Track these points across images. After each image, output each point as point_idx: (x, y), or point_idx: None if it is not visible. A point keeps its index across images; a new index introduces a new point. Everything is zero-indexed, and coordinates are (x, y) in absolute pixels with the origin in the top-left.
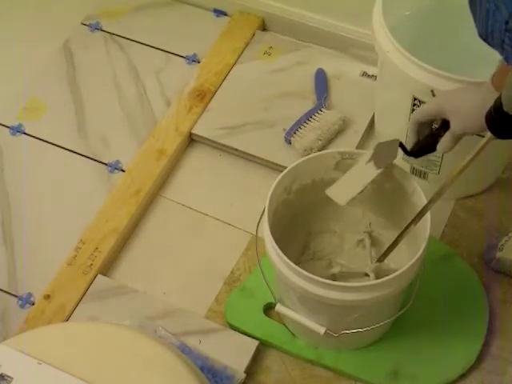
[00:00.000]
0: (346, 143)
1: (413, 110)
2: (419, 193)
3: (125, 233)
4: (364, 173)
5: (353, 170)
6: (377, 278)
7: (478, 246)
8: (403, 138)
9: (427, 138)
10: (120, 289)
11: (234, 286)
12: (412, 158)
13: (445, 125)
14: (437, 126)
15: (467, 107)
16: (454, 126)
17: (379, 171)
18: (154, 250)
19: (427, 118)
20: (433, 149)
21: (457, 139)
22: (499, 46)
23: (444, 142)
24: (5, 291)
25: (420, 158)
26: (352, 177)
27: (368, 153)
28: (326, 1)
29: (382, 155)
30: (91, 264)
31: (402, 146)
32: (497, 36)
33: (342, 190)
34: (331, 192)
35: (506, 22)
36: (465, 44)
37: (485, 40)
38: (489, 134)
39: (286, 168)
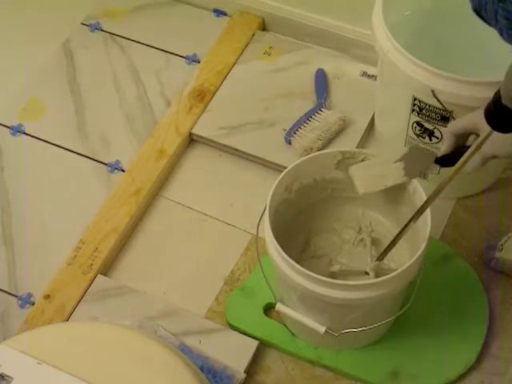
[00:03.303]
0: (346, 143)
1: (413, 109)
2: (420, 192)
3: (125, 233)
4: (391, 172)
5: (382, 160)
6: (377, 276)
7: (477, 245)
8: (403, 137)
9: (456, 151)
10: (120, 289)
11: (234, 286)
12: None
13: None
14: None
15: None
16: (485, 147)
17: (405, 179)
18: (154, 250)
19: (461, 131)
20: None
21: (485, 160)
22: (493, 18)
23: (472, 161)
24: (5, 291)
25: None
26: (378, 168)
27: (401, 152)
28: (326, 1)
29: (414, 162)
30: (91, 264)
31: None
32: (490, 8)
33: (365, 177)
34: (355, 172)
35: None
36: (465, 44)
37: (478, 14)
38: (487, 129)
39: (286, 168)
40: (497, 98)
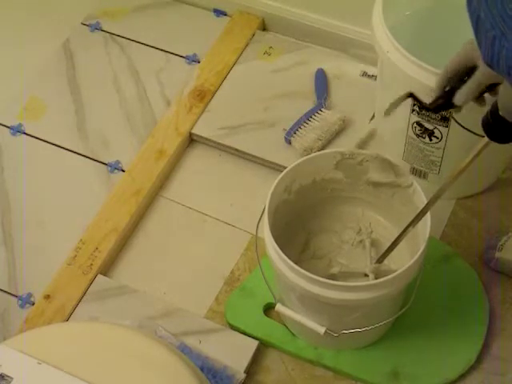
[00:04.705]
0: (346, 143)
1: (413, 109)
2: (419, 193)
3: (125, 233)
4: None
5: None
6: (376, 278)
7: (478, 246)
8: (403, 137)
9: (447, 93)
10: (120, 289)
11: (234, 286)
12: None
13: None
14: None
15: None
16: (482, 68)
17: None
18: (153, 249)
19: (456, 67)
20: (451, 105)
21: (478, 87)
22: (505, 72)
23: (465, 88)
24: (5, 291)
25: (420, 159)
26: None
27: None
28: (326, 1)
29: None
30: (91, 264)
31: (417, 99)
32: (503, 63)
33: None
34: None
35: None
36: None
37: (490, 66)
38: (487, 137)
39: (286, 168)
40: (494, 108)
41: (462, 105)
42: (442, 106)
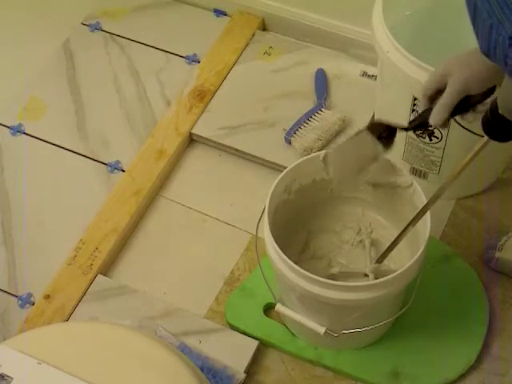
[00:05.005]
0: None
1: (413, 109)
2: (419, 193)
3: (125, 233)
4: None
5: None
6: (376, 278)
7: (477, 246)
8: (403, 138)
9: (425, 112)
10: (120, 289)
11: (234, 286)
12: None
13: None
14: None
15: (470, 64)
16: (453, 82)
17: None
18: (154, 250)
19: (434, 86)
20: (427, 123)
21: (452, 104)
22: (502, 61)
23: (438, 107)
24: (5, 291)
25: (420, 159)
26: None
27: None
28: (326, 1)
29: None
30: (91, 264)
31: (397, 126)
32: (500, 51)
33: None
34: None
35: (510, 37)
36: (465, 43)
37: (487, 55)
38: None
39: (286, 168)
40: (494, 107)
41: (438, 124)
42: (419, 125)
